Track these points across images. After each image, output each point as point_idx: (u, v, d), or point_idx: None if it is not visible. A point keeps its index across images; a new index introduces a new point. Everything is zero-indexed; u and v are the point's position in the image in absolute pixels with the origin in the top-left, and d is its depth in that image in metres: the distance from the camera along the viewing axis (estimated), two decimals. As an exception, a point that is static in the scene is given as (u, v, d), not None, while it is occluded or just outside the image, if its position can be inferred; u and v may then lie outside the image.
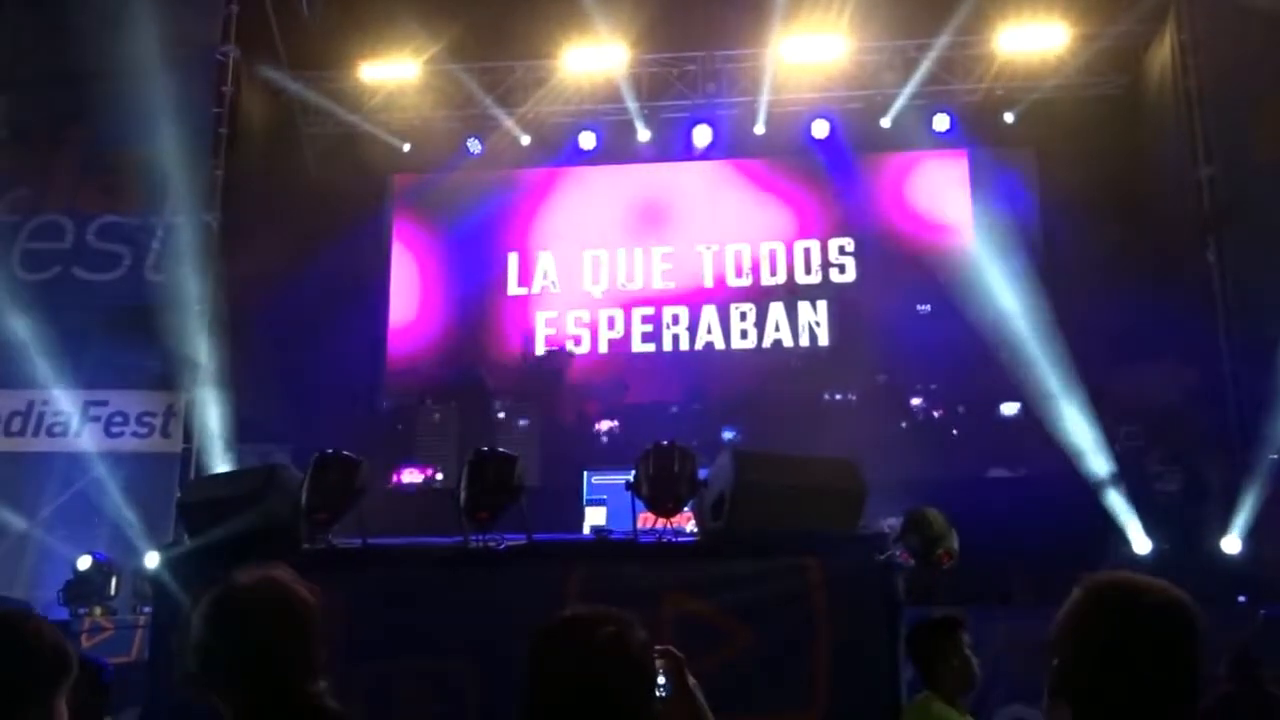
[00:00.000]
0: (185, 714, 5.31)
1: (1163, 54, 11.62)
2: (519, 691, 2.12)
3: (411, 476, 11.76)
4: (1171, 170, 11.32)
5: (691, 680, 2.46)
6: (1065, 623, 2.09)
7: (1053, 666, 2.08)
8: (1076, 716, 2.03)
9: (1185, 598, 2.05)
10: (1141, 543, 9.22)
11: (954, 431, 11.46)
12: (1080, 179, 11.97)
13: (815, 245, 13.37)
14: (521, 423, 11.95)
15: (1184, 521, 9.39)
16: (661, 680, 2.33)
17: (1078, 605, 2.09)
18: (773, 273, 13.37)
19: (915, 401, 11.92)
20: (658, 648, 2.28)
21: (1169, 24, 11.43)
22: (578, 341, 13.35)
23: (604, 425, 12.10)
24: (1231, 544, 9.10)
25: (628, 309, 13.49)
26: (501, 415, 12.10)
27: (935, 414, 11.76)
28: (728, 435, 11.69)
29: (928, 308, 12.09)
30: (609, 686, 2.07)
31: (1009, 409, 11.44)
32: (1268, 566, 9.03)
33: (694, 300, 13.43)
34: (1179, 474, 10.00)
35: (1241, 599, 8.54)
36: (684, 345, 13.20)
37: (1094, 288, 11.39)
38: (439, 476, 11.68)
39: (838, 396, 11.89)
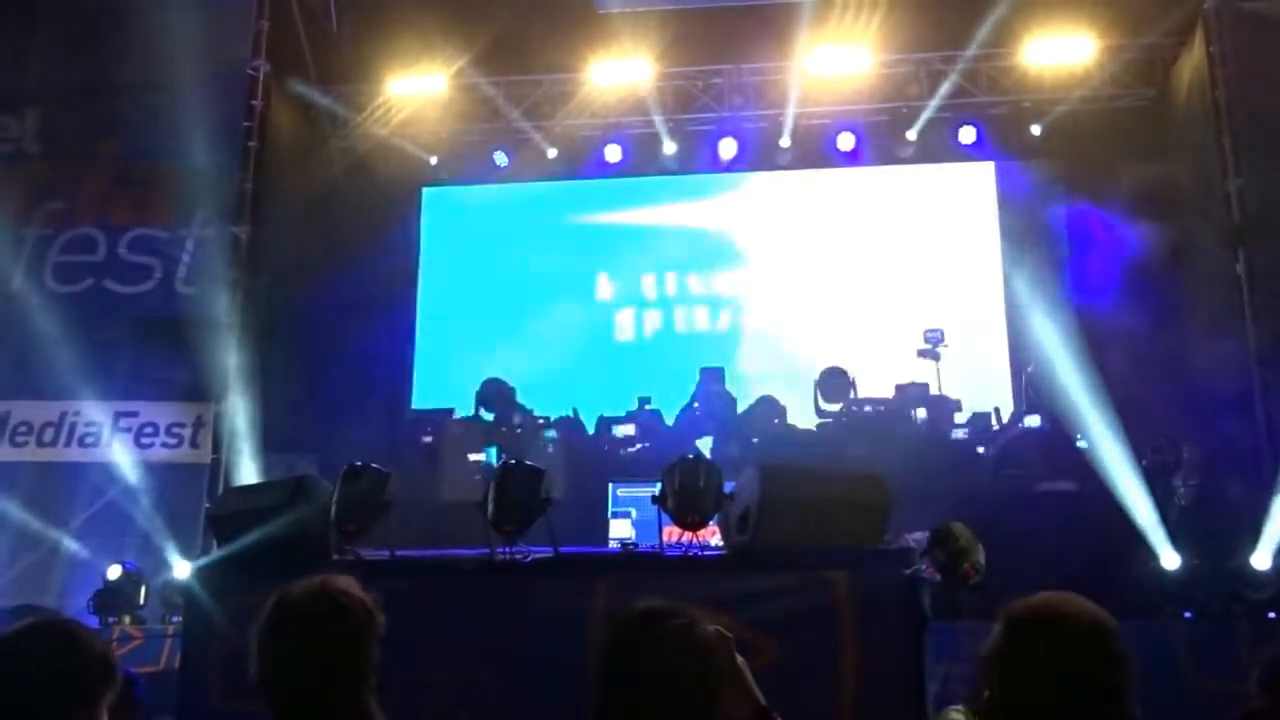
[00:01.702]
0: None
1: (1191, 66, 11.55)
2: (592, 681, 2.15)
3: None
4: (1200, 182, 11.25)
5: (740, 659, 2.52)
6: (991, 656, 2.08)
7: (984, 699, 2.07)
8: None
9: (1106, 622, 2.03)
10: (1170, 558, 9.14)
11: (979, 449, 11.37)
12: (1107, 191, 11.92)
13: (836, 253, 13.39)
14: (547, 434, 11.96)
15: (1200, 535, 9.31)
16: None
17: (1001, 638, 2.07)
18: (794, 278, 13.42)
19: (919, 413, 11.80)
20: (708, 627, 2.34)
21: (1197, 36, 11.36)
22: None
23: (621, 431, 12.08)
24: (1261, 559, 9.02)
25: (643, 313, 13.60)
26: (527, 427, 12.09)
27: (960, 430, 11.66)
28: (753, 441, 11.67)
29: (938, 333, 12.01)
30: (686, 675, 2.12)
31: (1032, 422, 11.36)
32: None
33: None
34: (1195, 488, 9.93)
35: (1272, 615, 8.47)
36: (700, 355, 13.20)
37: (1121, 300, 11.33)
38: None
39: (867, 409, 11.83)
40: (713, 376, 12.43)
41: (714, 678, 2.19)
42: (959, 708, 4.20)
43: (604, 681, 2.15)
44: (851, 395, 12.05)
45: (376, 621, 2.42)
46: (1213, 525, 9.52)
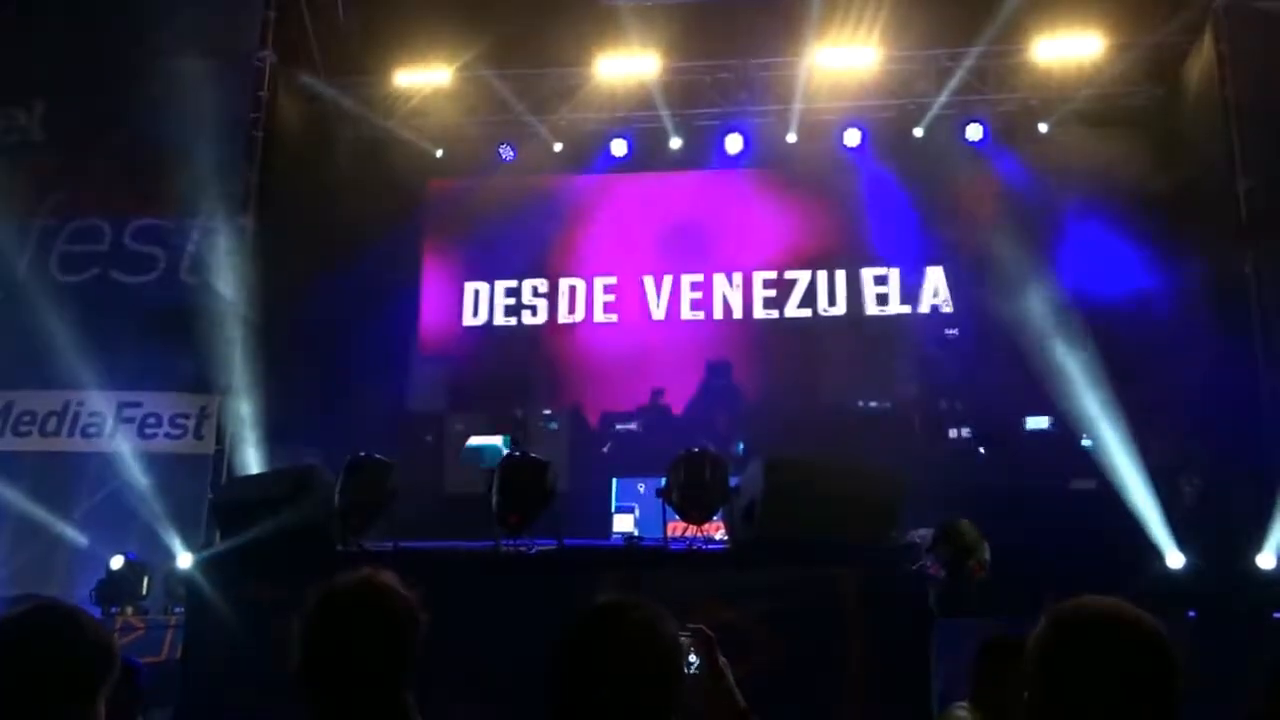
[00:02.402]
0: (217, 714, 5.37)
1: (1200, 65, 11.51)
2: (549, 678, 2.14)
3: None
4: (1208, 182, 11.21)
5: (722, 659, 2.49)
6: (1035, 655, 2.04)
7: (1024, 699, 2.04)
8: None
9: (1160, 630, 2.00)
10: (1175, 558, 9.12)
11: (981, 450, 11.32)
12: (1115, 190, 11.88)
13: (842, 250, 13.37)
14: (550, 427, 11.93)
15: (1205, 536, 9.29)
16: (693, 658, 2.36)
17: (1048, 637, 2.03)
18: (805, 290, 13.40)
19: (921, 411, 11.74)
20: (689, 626, 2.31)
21: (1206, 34, 11.32)
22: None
23: (624, 426, 12.05)
24: (1267, 559, 9.00)
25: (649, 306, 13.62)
26: (530, 418, 12.05)
27: (964, 433, 11.61)
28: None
29: (955, 331, 11.96)
30: (641, 673, 2.09)
31: (1039, 423, 11.33)
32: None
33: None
34: (1200, 488, 9.91)
35: (1276, 615, 8.44)
36: (706, 349, 13.16)
37: (1127, 298, 11.30)
38: None
39: (873, 404, 11.80)
40: (718, 370, 12.41)
41: (678, 674, 2.16)
42: (964, 704, 4.18)
43: (564, 678, 2.13)
44: (856, 393, 12.03)
45: (421, 618, 2.40)
46: (1218, 525, 9.49)
